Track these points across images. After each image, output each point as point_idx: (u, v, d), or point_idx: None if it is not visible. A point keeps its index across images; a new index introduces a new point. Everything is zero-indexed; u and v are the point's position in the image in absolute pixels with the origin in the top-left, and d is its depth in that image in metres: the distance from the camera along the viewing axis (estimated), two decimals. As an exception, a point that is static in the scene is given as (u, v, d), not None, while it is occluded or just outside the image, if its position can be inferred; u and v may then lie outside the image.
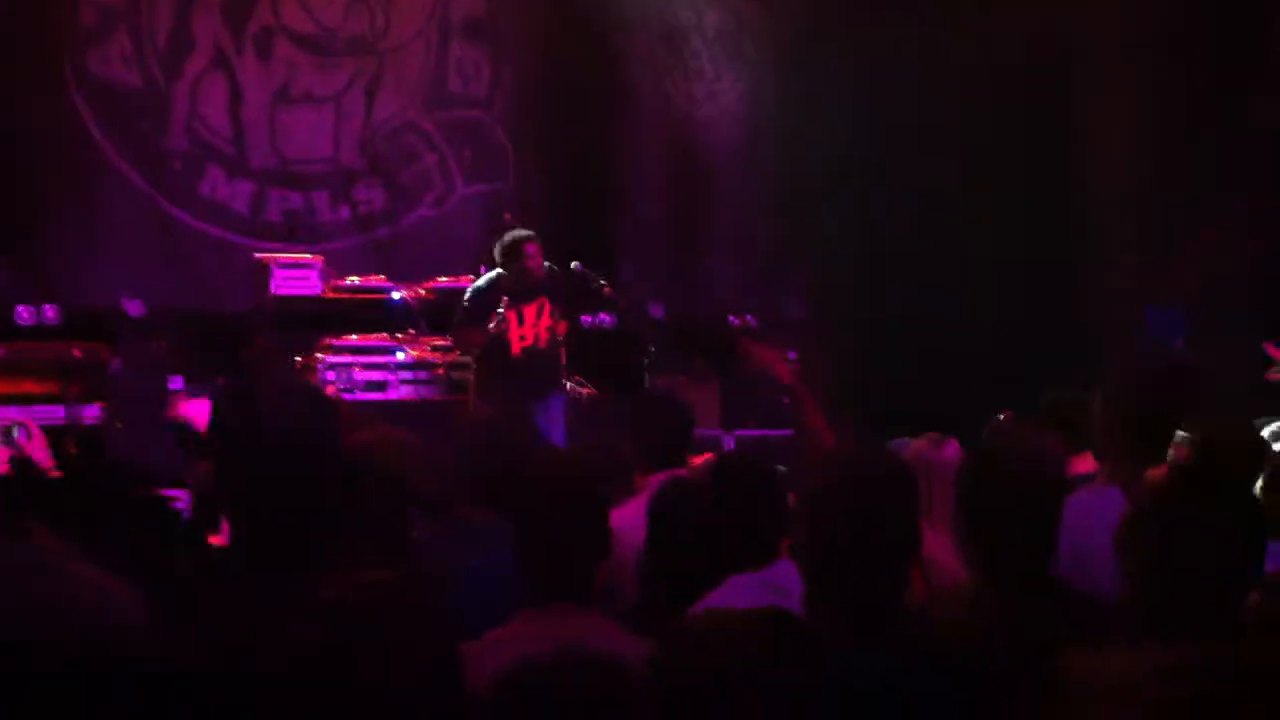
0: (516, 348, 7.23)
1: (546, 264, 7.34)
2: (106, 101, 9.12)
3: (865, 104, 9.57)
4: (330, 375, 7.62)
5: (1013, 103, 9.50)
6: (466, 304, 7.28)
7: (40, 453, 4.02)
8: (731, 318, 9.76)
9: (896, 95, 9.49)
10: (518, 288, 7.18)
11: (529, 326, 7.27)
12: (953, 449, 3.87)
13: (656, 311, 9.89)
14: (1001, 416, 4.63)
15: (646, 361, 8.23)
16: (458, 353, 7.67)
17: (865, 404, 8.59)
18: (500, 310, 7.06)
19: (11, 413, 6.79)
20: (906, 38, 9.38)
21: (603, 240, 9.76)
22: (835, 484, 2.55)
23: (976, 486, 2.88)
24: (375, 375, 7.86)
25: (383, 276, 8.56)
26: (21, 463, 4.05)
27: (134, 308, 8.53)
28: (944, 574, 3.51)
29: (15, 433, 4.01)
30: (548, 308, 7.34)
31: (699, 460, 4.54)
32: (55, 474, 3.97)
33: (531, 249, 7.20)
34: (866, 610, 2.49)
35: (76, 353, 7.08)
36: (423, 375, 7.94)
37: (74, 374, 6.98)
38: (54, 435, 4.17)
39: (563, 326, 7.64)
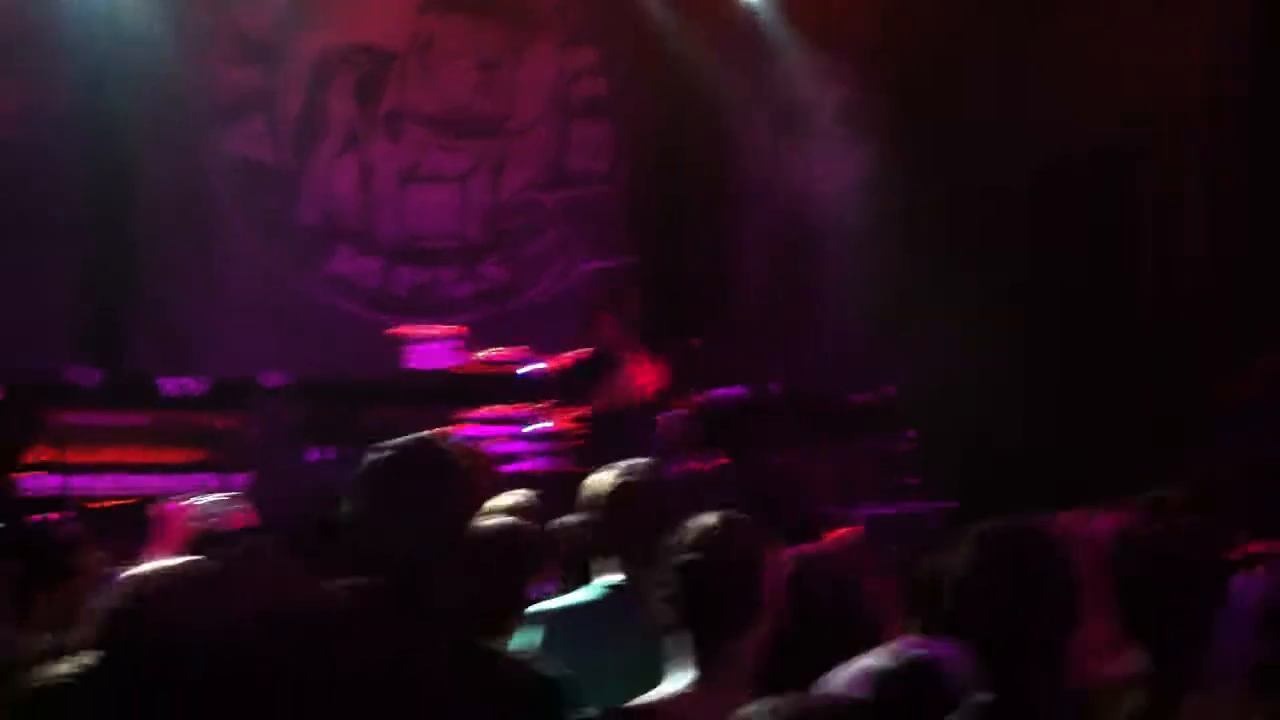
0: (639, 397, 7.39)
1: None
2: (241, 178, 9.40)
3: (979, 180, 9.61)
4: (465, 447, 7.72)
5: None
6: (585, 370, 7.47)
7: (247, 524, 4.14)
8: (850, 394, 9.76)
9: (1008, 176, 9.53)
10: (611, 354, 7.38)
11: (645, 374, 7.44)
12: (1105, 523, 3.82)
13: (774, 387, 9.92)
14: (1152, 494, 4.54)
15: (766, 437, 8.27)
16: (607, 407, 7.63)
17: (982, 486, 8.58)
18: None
19: (155, 481, 7.03)
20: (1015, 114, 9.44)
21: (721, 314, 9.85)
22: (994, 560, 2.53)
23: (1142, 566, 2.85)
24: (507, 447, 7.97)
25: (515, 349, 8.72)
26: None
27: (271, 379, 8.75)
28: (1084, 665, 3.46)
29: (220, 508, 4.13)
30: (647, 359, 7.50)
31: (836, 534, 4.58)
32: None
33: (604, 319, 7.37)
34: (1027, 692, 2.46)
35: (218, 423, 7.29)
36: (555, 446, 8.04)
37: (216, 443, 7.18)
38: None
39: (688, 401, 7.72)
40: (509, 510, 3.88)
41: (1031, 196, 9.66)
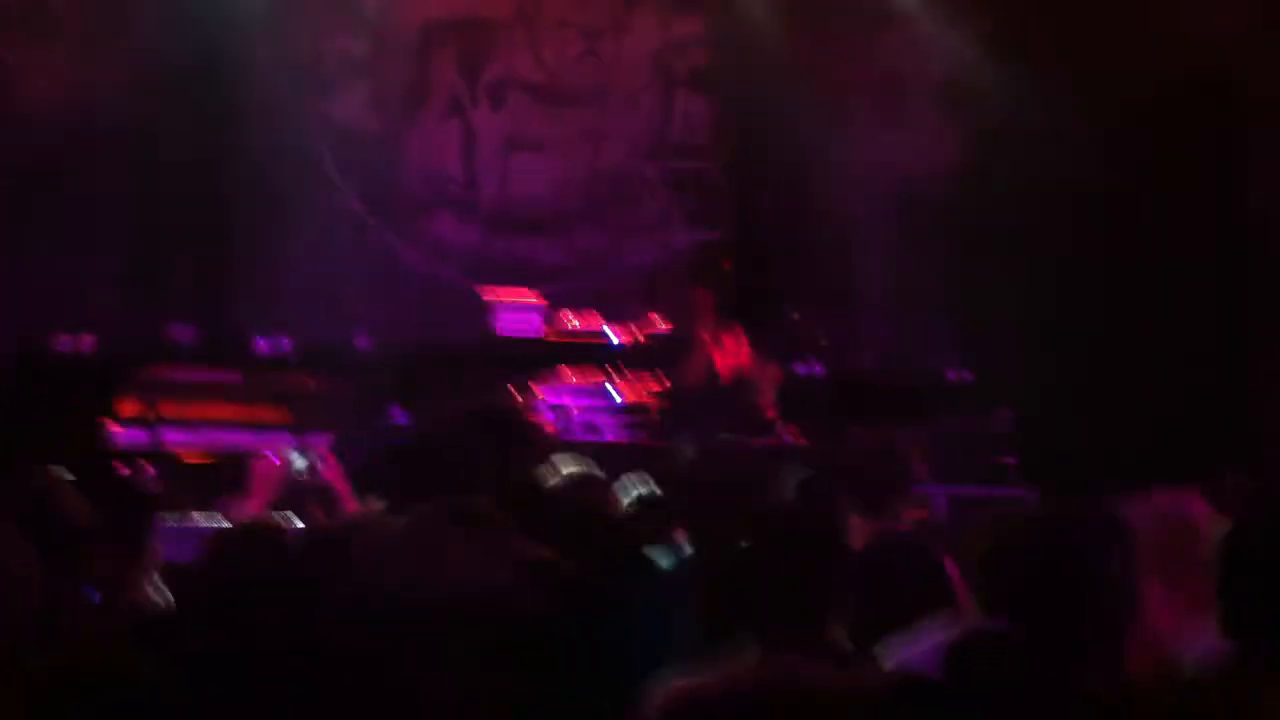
0: (726, 373, 7.37)
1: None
2: (346, 145, 9.49)
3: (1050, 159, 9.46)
4: (549, 416, 7.77)
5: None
6: (670, 344, 7.49)
7: (339, 481, 4.18)
8: (946, 371, 9.65)
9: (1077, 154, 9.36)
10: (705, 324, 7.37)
11: (731, 354, 7.41)
12: (1199, 504, 3.69)
13: (869, 362, 9.83)
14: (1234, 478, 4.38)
15: (859, 413, 8.19)
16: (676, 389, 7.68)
17: (1038, 466, 8.47)
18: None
19: (245, 438, 7.14)
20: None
21: (822, 290, 9.75)
22: (1045, 542, 2.44)
23: (1252, 554, 2.70)
24: (591, 418, 7.98)
25: (602, 319, 8.70)
26: None
27: (363, 342, 8.86)
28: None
29: (316, 462, 4.17)
30: (745, 337, 7.47)
31: (912, 514, 4.50)
32: (352, 501, 4.12)
33: (700, 295, 7.39)
34: (1076, 678, 2.36)
35: (310, 383, 7.37)
36: (637, 418, 8.03)
37: (306, 403, 7.27)
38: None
39: (777, 374, 7.67)
40: (578, 478, 3.85)
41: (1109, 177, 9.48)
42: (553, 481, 3.76)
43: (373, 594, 2.63)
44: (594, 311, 8.95)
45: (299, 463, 4.22)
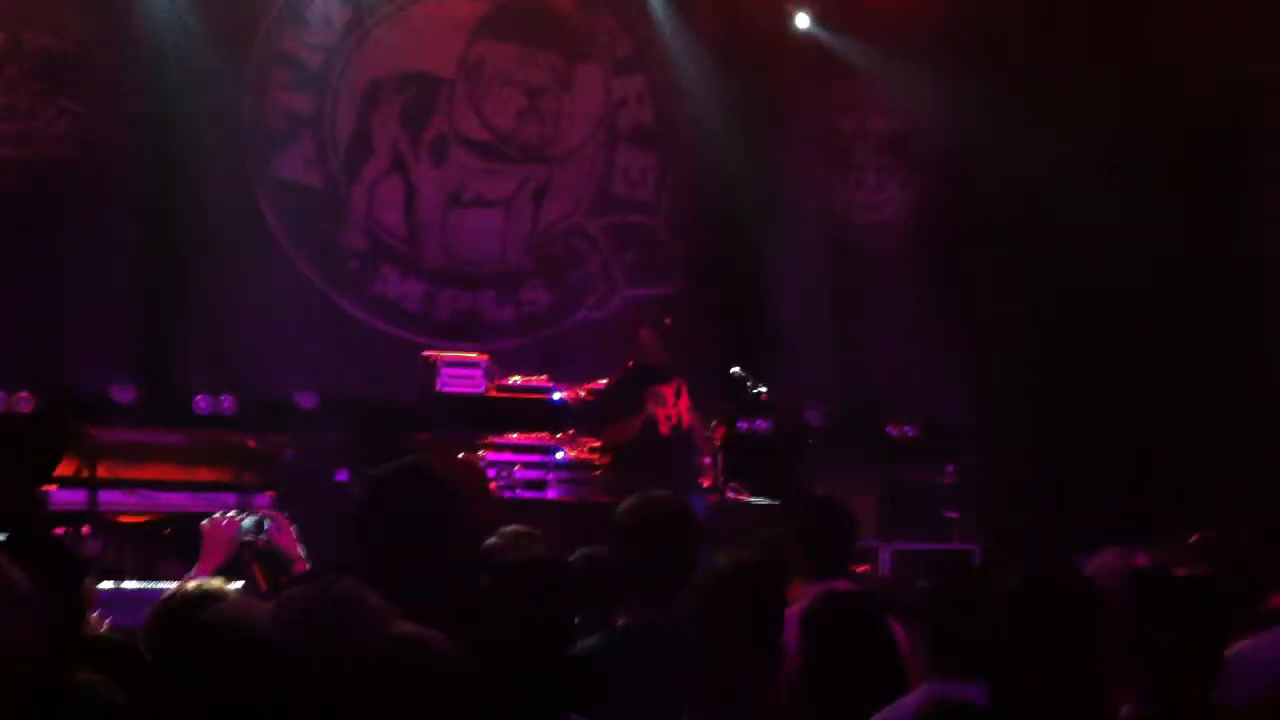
0: (665, 427, 7.37)
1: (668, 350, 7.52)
2: (289, 201, 9.46)
3: (1034, 204, 9.53)
4: (491, 473, 7.74)
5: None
6: (608, 399, 7.48)
7: (289, 544, 4.11)
8: (890, 427, 9.69)
9: (1067, 198, 9.44)
10: (649, 372, 7.36)
11: (670, 406, 7.42)
12: (1142, 562, 3.73)
13: (814, 418, 9.85)
14: (1194, 539, 4.40)
15: (803, 468, 8.22)
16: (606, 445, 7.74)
17: (1036, 512, 8.50)
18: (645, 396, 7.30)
19: (184, 499, 7.06)
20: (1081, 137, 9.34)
21: (762, 345, 9.80)
22: (1023, 612, 2.45)
23: (1143, 607, 2.76)
24: (534, 474, 7.96)
25: (545, 377, 8.70)
26: None
27: (306, 400, 8.79)
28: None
29: (267, 525, 4.11)
30: (685, 389, 7.49)
31: (859, 570, 4.51)
32: (303, 564, 4.07)
33: (644, 334, 7.40)
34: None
35: (251, 442, 7.30)
36: (580, 475, 8.02)
37: (247, 463, 7.19)
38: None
39: (720, 431, 7.70)
40: (517, 539, 3.81)
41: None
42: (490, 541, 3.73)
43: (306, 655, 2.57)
44: (538, 367, 8.95)
45: (250, 525, 4.16)
